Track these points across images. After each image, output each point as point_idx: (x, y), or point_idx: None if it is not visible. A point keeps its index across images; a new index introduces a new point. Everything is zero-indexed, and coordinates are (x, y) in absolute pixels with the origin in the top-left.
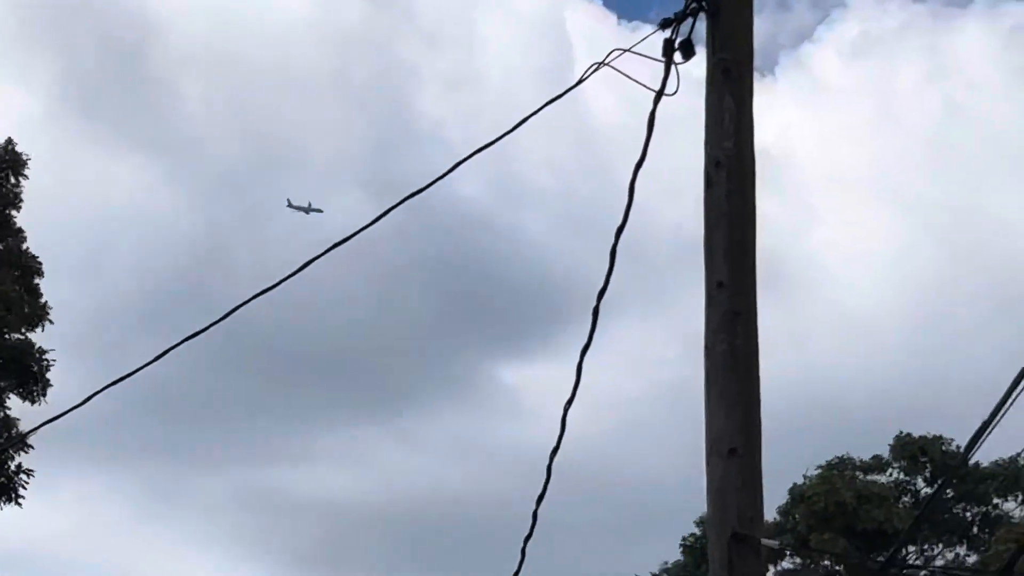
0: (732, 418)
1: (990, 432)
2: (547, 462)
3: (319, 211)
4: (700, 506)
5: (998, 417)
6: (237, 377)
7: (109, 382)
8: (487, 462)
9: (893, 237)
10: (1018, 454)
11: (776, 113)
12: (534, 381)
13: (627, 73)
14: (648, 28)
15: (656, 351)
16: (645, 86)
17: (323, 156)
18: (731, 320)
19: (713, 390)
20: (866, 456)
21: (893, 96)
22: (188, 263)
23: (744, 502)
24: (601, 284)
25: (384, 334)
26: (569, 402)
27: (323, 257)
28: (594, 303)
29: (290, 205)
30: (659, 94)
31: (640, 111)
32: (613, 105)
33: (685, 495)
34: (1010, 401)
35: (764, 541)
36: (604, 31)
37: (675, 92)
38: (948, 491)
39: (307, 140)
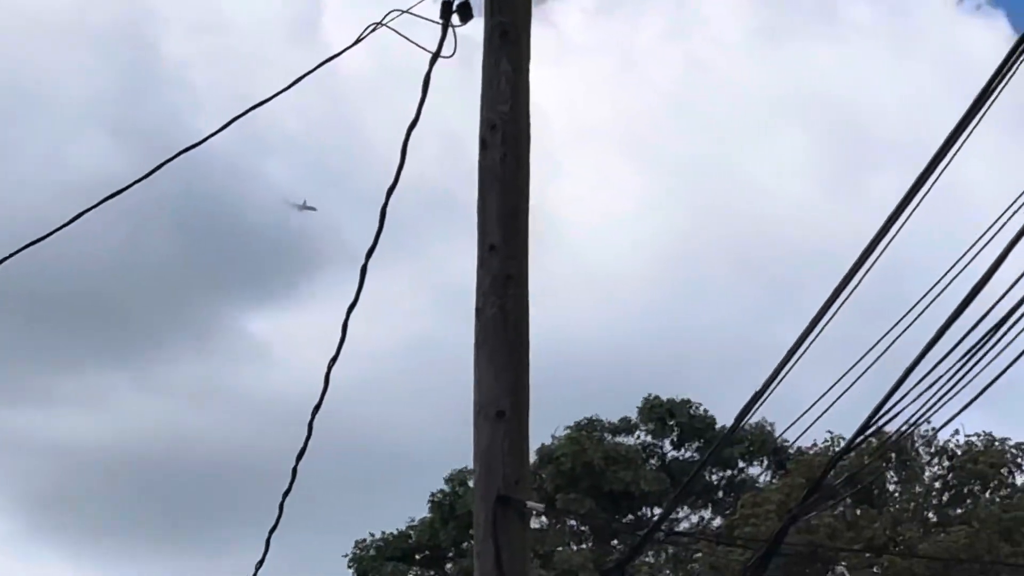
0: (501, 381)
1: (766, 399)
2: (301, 416)
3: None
4: (450, 462)
5: (774, 384)
6: None
7: None
8: (231, 410)
9: (639, 195)
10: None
11: None
12: (280, 329)
13: (404, 33)
14: None
15: (404, 302)
16: (422, 47)
17: (69, 99)
18: (502, 283)
19: (482, 352)
20: (614, 418)
21: (636, 53)
22: None
23: (510, 465)
24: (356, 237)
25: (128, 276)
26: (333, 360)
27: (66, 198)
28: (358, 260)
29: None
30: (435, 56)
31: (393, 66)
32: (363, 59)
33: (436, 451)
34: (786, 370)
35: (529, 504)
36: None
37: (452, 55)
38: (695, 455)
39: (54, 82)
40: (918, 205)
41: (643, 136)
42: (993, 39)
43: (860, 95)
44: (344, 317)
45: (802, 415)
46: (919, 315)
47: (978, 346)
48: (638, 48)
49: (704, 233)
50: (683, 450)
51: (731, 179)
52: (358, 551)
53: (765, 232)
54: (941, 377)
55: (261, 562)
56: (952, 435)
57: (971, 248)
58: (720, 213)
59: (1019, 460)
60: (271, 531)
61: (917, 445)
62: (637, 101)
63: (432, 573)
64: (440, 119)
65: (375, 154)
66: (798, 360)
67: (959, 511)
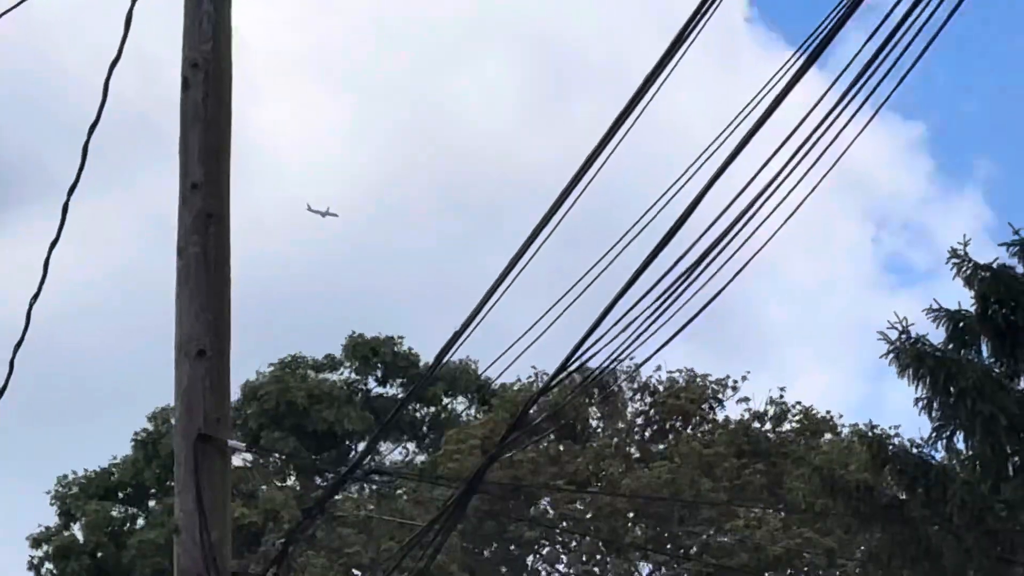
0: (202, 320)
1: (468, 335)
2: (5, 352)
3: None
4: (154, 400)
5: (476, 322)
6: None
7: None
8: None
9: (342, 124)
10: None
11: None
12: None
13: None
14: None
15: (113, 234)
16: None
17: None
18: (204, 222)
19: (184, 291)
20: (319, 355)
21: None
22: None
23: (211, 404)
24: (61, 169)
25: None
26: (35, 297)
27: None
28: (62, 192)
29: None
30: None
31: None
32: None
33: (140, 387)
34: (488, 307)
35: (230, 443)
36: None
37: None
38: (399, 392)
39: None
40: (625, 135)
41: (343, 64)
42: None
43: (558, 20)
44: (46, 255)
45: (504, 353)
46: (624, 247)
47: (680, 281)
48: None
49: (407, 161)
50: (388, 387)
51: (433, 107)
52: (61, 488)
53: (467, 159)
54: (644, 312)
55: None
56: (655, 371)
57: (677, 181)
58: (423, 141)
59: (720, 396)
60: None
61: (620, 381)
62: (335, 28)
63: (135, 511)
64: (156, 49)
65: (76, 84)
66: (502, 296)
67: (661, 447)
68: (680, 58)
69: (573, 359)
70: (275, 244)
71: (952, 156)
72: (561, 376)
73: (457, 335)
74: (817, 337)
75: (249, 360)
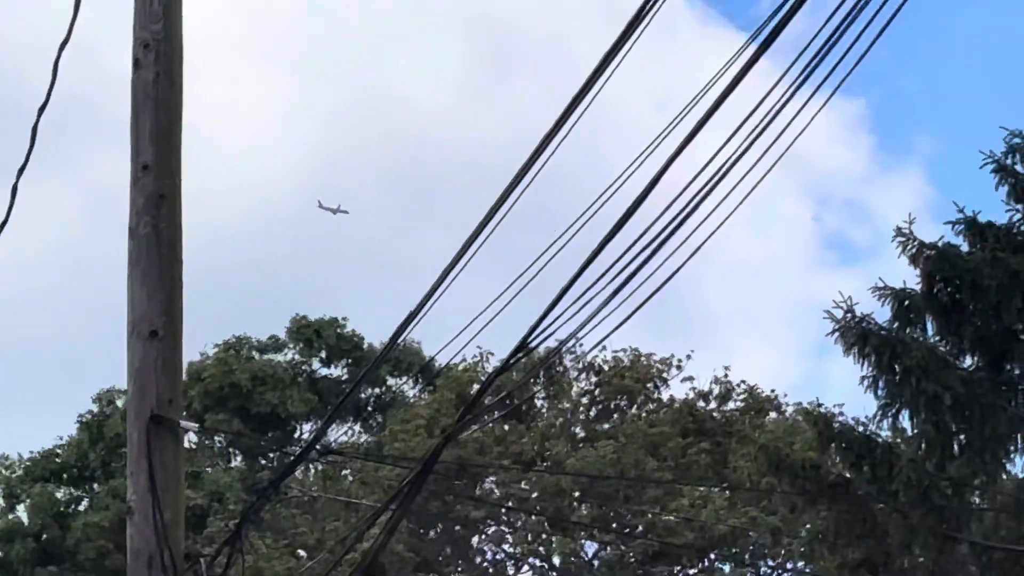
0: (154, 301)
1: (421, 319)
2: None
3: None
4: (98, 381)
5: (428, 306)
6: None
7: None
8: None
9: (282, 105)
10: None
11: None
12: None
13: None
14: None
15: (57, 215)
16: None
17: None
18: (156, 203)
19: (136, 272)
20: (263, 336)
21: None
22: None
23: (164, 385)
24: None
25: None
26: None
27: None
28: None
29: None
30: None
31: None
32: None
33: (83, 368)
34: (441, 290)
35: (183, 423)
36: None
37: None
38: (344, 373)
39: None
40: (577, 121)
41: (284, 46)
42: None
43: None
44: None
45: (455, 337)
46: (575, 233)
47: (635, 263)
48: None
49: (348, 142)
50: (332, 368)
51: (375, 87)
52: (4, 471)
53: (409, 140)
54: (597, 296)
55: None
56: (600, 351)
57: (630, 167)
58: (365, 122)
59: (664, 375)
60: None
61: (566, 362)
62: (275, 9)
63: (80, 493)
64: (99, 30)
65: (17, 64)
66: (453, 280)
67: (606, 426)
68: (637, 37)
69: (531, 338)
70: (217, 225)
71: (893, 133)
72: (520, 356)
73: (412, 315)
74: (760, 315)
75: (193, 341)
